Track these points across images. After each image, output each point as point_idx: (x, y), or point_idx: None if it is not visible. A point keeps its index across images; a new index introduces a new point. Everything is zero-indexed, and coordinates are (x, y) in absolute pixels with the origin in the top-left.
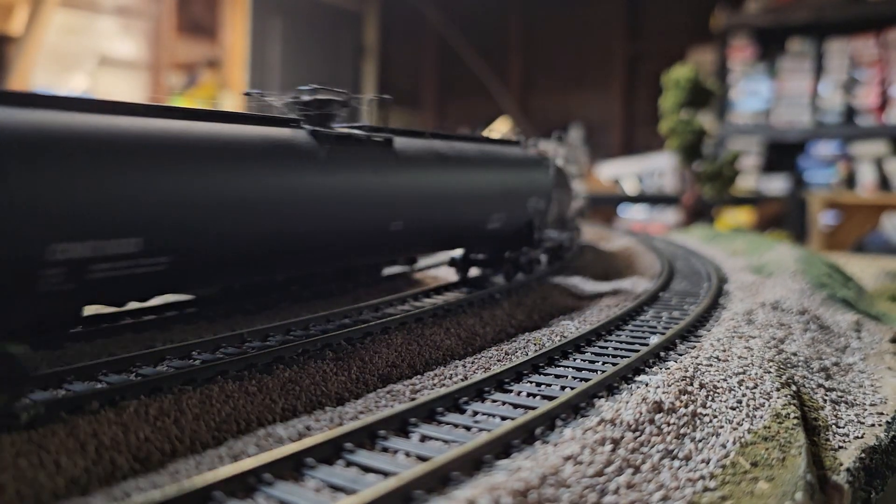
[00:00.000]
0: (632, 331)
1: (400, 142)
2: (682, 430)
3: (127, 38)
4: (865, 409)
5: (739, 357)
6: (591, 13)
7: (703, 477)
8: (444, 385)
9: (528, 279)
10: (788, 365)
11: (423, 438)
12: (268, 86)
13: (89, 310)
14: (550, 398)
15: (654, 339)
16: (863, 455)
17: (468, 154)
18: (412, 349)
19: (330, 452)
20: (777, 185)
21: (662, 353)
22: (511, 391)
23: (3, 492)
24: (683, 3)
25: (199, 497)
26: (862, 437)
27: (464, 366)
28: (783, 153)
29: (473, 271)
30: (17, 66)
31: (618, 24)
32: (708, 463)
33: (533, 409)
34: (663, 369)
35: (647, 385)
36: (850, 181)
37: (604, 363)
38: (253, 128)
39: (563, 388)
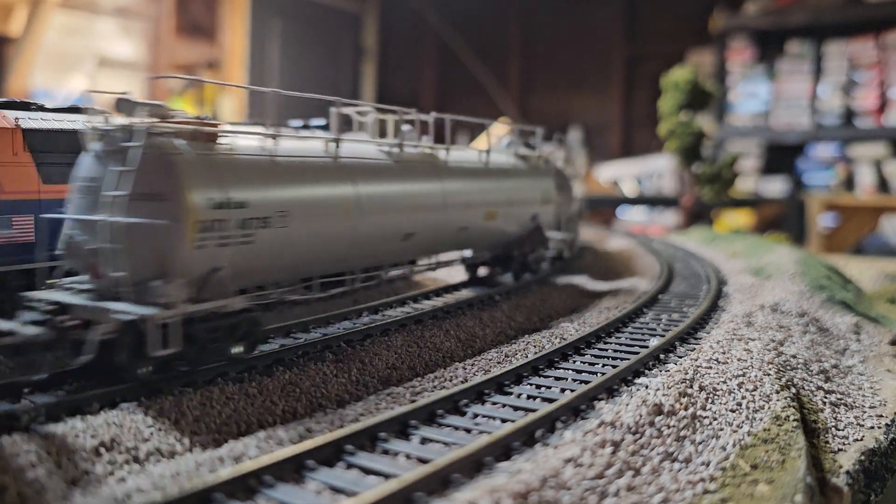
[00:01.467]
0: (631, 333)
1: None
2: (682, 433)
3: (126, 39)
4: (865, 412)
5: (739, 359)
6: (590, 15)
7: (703, 479)
8: (444, 387)
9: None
10: (788, 367)
11: (424, 440)
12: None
13: None
14: (550, 400)
15: (654, 342)
16: (862, 457)
17: None
18: (412, 351)
19: (331, 454)
20: (776, 187)
21: (662, 356)
22: (511, 393)
23: (5, 493)
24: (682, 5)
25: (199, 498)
26: (861, 440)
27: (464, 368)
28: (782, 155)
29: None
30: (16, 66)
31: (617, 26)
32: (708, 465)
33: (533, 411)
34: (663, 371)
35: (646, 387)
36: (848, 183)
37: (603, 365)
38: None
39: (562, 390)
